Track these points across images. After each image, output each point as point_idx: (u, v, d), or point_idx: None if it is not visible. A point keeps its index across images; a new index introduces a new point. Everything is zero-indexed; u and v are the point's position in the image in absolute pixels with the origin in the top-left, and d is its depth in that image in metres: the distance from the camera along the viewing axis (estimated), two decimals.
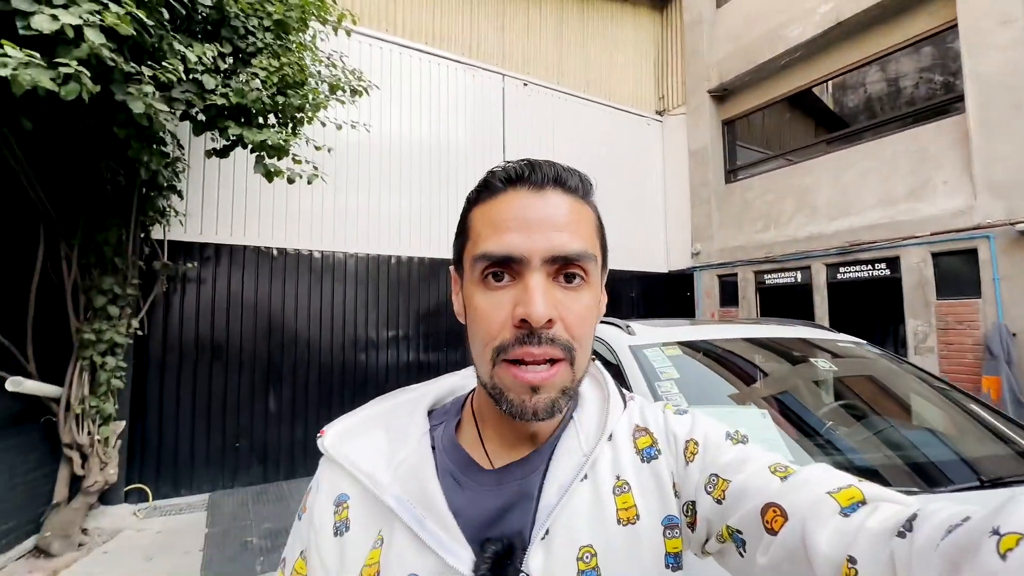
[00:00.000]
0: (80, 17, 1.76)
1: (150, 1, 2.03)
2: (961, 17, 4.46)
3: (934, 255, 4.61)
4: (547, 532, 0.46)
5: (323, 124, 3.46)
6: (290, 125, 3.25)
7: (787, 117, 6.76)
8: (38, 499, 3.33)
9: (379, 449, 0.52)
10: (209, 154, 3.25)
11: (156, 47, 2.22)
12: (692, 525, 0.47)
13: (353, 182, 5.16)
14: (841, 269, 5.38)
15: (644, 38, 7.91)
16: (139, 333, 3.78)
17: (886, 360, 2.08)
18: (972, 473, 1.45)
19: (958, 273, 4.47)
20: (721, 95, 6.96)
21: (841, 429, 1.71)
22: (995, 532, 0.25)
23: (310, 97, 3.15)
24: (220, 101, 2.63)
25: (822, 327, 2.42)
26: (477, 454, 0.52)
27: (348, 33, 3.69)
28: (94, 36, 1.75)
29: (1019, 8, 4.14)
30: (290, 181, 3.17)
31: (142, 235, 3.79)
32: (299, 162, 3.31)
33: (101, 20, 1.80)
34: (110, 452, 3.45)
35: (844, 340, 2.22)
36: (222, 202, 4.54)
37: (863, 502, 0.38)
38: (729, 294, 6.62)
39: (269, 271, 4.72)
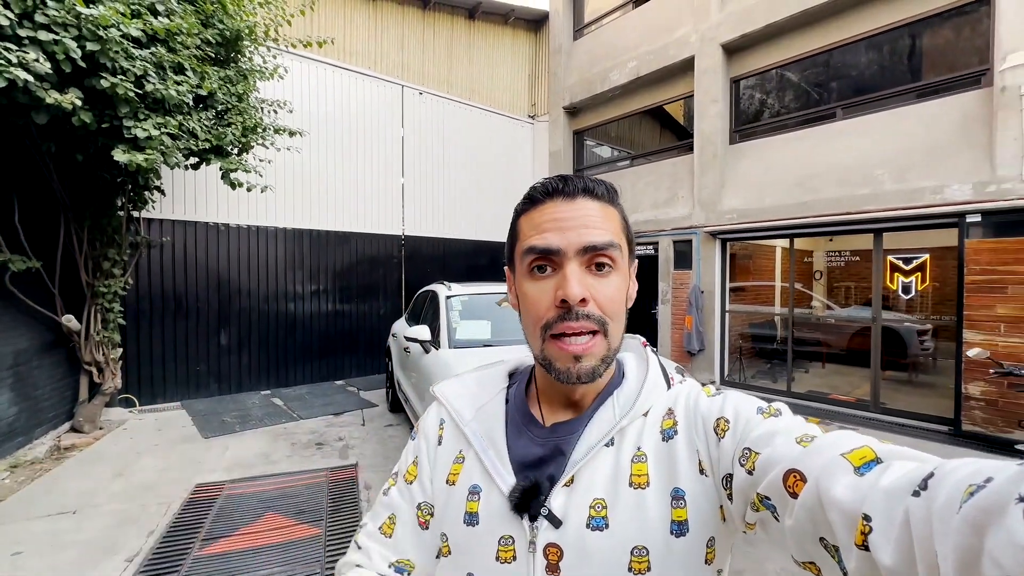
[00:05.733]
0: (155, 127, 3.44)
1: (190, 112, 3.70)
2: (696, 91, 7.03)
3: (674, 242, 7.38)
4: (572, 480, 0.57)
5: (266, 148, 5.14)
6: (247, 151, 4.90)
7: (614, 135, 9.22)
8: (66, 400, 4.90)
9: (469, 394, 0.70)
10: (185, 168, 4.79)
11: (182, 126, 3.86)
12: (731, 496, 0.51)
13: (281, 175, 6.72)
14: None
15: (520, 55, 9.86)
16: (128, 287, 5.30)
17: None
18: None
19: (684, 254, 7.28)
20: (572, 111, 9.24)
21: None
22: (1021, 499, 0.25)
23: (260, 136, 4.82)
24: (206, 145, 4.28)
25: None
26: (536, 412, 0.65)
27: (281, 78, 5.31)
28: (167, 140, 3.44)
29: (721, 94, 6.76)
30: (248, 190, 4.86)
31: (125, 216, 5.21)
32: (248, 172, 4.97)
33: (166, 130, 3.48)
34: (117, 367, 5.06)
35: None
36: (178, 188, 5.95)
37: (877, 460, 0.38)
38: None
39: (217, 241, 6.27)
